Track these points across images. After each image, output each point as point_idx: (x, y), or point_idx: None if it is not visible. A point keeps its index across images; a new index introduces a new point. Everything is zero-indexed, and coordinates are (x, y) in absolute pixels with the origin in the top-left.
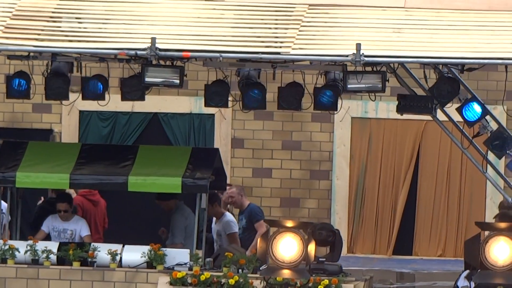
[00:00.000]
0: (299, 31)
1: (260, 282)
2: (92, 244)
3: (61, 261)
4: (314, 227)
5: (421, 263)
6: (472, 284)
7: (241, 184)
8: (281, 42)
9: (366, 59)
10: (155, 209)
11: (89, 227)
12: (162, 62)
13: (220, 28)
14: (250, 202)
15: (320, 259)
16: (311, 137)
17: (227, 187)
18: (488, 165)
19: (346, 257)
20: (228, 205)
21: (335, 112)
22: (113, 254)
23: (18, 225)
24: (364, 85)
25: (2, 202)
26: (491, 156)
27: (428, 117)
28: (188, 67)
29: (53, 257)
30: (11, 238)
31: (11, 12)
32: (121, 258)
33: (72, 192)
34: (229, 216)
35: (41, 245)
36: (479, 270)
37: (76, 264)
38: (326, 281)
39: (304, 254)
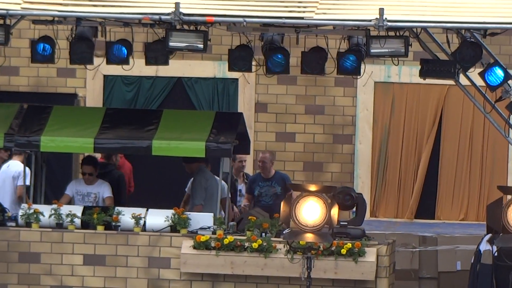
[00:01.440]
0: None
1: (284, 246)
2: (116, 208)
3: (85, 225)
4: (334, 191)
5: (443, 227)
6: (494, 248)
7: (264, 148)
8: (304, 7)
9: (389, 24)
10: (179, 173)
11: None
12: (186, 27)
13: None
14: (276, 170)
15: (342, 223)
16: (334, 102)
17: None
18: (511, 130)
19: (369, 221)
20: (241, 172)
21: (358, 76)
22: (137, 218)
23: (42, 189)
24: (387, 50)
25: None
26: None
27: (451, 82)
28: (212, 31)
29: (78, 221)
30: (35, 202)
31: None
32: (145, 222)
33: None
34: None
35: (65, 209)
36: (501, 234)
37: (100, 228)
38: (349, 245)
39: (327, 218)
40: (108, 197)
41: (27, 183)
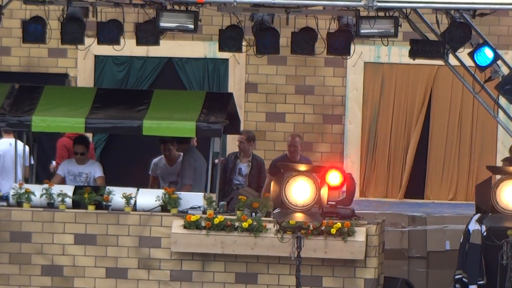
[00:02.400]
0: None
1: (274, 225)
2: (107, 187)
3: (76, 204)
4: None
5: (432, 206)
6: (483, 228)
7: (255, 128)
8: None
9: (379, 4)
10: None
11: None
12: (176, 7)
13: None
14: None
15: (330, 203)
16: (324, 82)
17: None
18: (500, 110)
19: (358, 201)
20: (248, 152)
21: (348, 57)
22: (128, 198)
23: (33, 168)
24: (376, 30)
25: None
26: (502, 101)
27: (440, 62)
28: (203, 12)
29: (69, 201)
30: (26, 182)
31: None
32: (135, 201)
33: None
34: None
35: (56, 189)
36: (490, 214)
37: (91, 208)
38: (339, 225)
39: (317, 198)
40: (100, 177)
41: (31, 162)
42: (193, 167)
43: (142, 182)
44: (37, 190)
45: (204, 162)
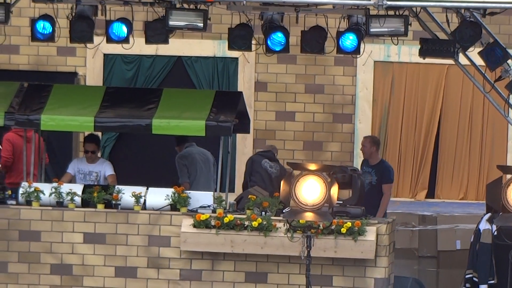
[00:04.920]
0: None
1: (284, 225)
2: (117, 186)
3: (85, 203)
4: (330, 170)
5: (443, 206)
6: (494, 227)
7: (264, 127)
8: None
9: (389, 3)
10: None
11: (19, 163)
12: (186, 6)
13: None
14: (383, 159)
15: (337, 202)
16: (334, 81)
17: None
18: (510, 109)
19: None
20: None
21: (358, 56)
22: (137, 197)
23: (43, 167)
24: (386, 29)
25: None
26: None
27: (450, 61)
28: (212, 10)
29: (78, 200)
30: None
31: None
32: (145, 200)
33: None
34: None
35: (65, 188)
36: (500, 213)
37: (100, 207)
38: (349, 224)
39: (327, 197)
40: (111, 175)
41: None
42: (183, 164)
43: (152, 181)
44: (46, 189)
45: (201, 157)
